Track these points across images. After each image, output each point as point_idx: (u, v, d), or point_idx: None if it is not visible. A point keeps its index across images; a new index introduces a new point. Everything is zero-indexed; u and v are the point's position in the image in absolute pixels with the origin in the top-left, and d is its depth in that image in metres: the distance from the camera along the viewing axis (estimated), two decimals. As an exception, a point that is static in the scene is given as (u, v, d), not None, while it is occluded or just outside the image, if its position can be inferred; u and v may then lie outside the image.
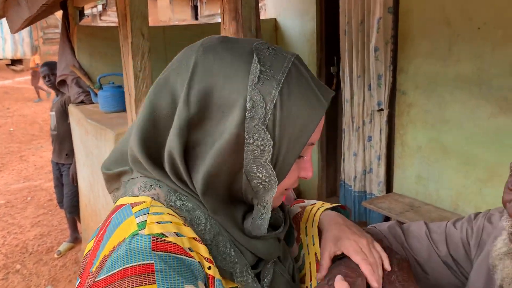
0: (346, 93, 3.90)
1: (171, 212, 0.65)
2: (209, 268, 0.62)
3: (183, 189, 0.68)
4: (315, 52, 4.38)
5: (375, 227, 1.15)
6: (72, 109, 3.84)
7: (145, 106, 0.68)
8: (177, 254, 0.59)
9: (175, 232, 0.61)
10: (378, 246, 0.90)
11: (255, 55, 0.65)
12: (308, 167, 0.73)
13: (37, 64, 12.88)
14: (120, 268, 0.57)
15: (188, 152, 0.66)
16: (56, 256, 4.27)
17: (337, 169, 4.38)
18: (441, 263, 1.08)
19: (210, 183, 0.66)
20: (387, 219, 3.47)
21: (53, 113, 4.25)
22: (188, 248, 0.61)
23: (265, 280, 0.74)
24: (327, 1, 4.26)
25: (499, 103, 2.86)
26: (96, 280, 0.58)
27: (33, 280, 3.88)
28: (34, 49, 14.00)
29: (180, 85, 0.65)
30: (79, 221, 4.39)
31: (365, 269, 0.82)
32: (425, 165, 3.44)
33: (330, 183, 4.66)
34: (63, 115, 4.16)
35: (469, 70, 3.01)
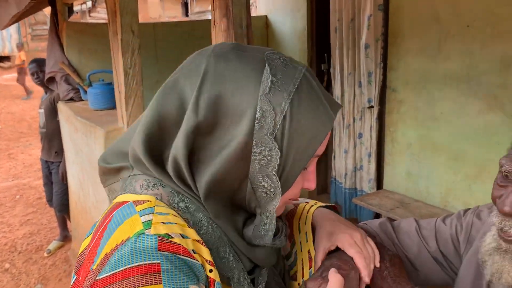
0: (336, 91, 3.92)
1: (175, 213, 0.65)
2: (211, 271, 0.62)
3: (186, 192, 0.68)
4: (306, 50, 4.39)
5: (366, 224, 1.15)
6: (61, 107, 3.80)
7: (152, 108, 0.67)
8: (182, 255, 0.59)
9: (180, 234, 0.61)
10: (371, 241, 0.91)
11: (267, 65, 0.65)
12: (312, 178, 0.73)
13: (23, 61, 12.74)
14: (125, 267, 0.56)
15: (193, 156, 0.65)
16: (45, 254, 4.24)
17: (328, 166, 4.40)
18: (431, 258, 1.10)
19: (213, 189, 0.66)
20: (377, 215, 3.50)
21: (42, 110, 4.21)
22: (192, 250, 0.61)
23: (260, 286, 0.75)
24: (318, -2, 4.26)
25: (488, 100, 2.89)
26: (97, 278, 0.57)
27: (23, 279, 3.85)
28: (20, 46, 13.82)
29: (190, 90, 0.65)
30: (69, 220, 4.35)
31: (359, 262, 0.84)
32: (415, 162, 3.47)
33: (321, 180, 4.67)
34: (52, 112, 4.12)
35: (458, 67, 3.03)
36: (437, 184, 3.32)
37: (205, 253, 0.63)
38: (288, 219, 0.93)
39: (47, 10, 4.90)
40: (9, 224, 4.97)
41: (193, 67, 0.67)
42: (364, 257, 0.85)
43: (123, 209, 0.64)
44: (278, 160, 0.64)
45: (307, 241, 0.89)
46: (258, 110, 0.62)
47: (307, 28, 4.34)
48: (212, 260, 0.63)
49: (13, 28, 16.94)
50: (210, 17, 1.57)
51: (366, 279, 0.84)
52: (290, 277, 0.88)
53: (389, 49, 3.50)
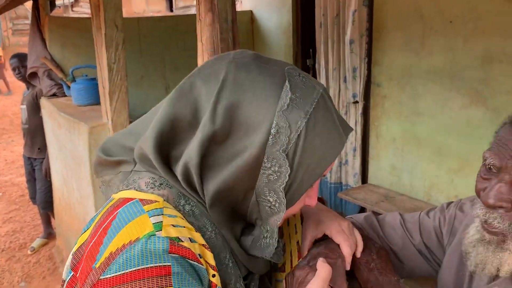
0: (322, 86, 3.93)
1: (181, 216, 0.65)
2: (213, 276, 0.63)
3: (192, 195, 0.68)
4: (291, 45, 4.39)
5: (351, 217, 1.17)
6: (44, 102, 3.75)
7: (167, 108, 0.66)
8: (190, 259, 0.59)
9: (189, 238, 0.61)
10: (357, 232, 0.93)
11: (287, 81, 0.65)
12: (314, 195, 0.74)
13: (0, 56, 12.59)
14: (135, 269, 0.56)
15: (203, 161, 0.65)
16: (29, 252, 4.18)
17: (314, 161, 4.42)
18: (415, 251, 1.11)
19: (219, 197, 0.66)
20: (362, 209, 3.53)
21: (24, 106, 4.15)
22: (198, 255, 0.61)
23: None
24: (303, -6, 4.27)
25: (470, 95, 2.93)
26: (102, 277, 0.56)
27: (6, 277, 3.80)
28: (-2, 41, 13.65)
29: (206, 95, 0.64)
30: (53, 217, 4.31)
31: (345, 250, 0.86)
32: (399, 156, 3.51)
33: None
34: (34, 108, 4.06)
35: (441, 63, 3.07)
36: (420, 178, 3.37)
37: (210, 258, 0.63)
38: None
39: (29, 4, 4.81)
40: (-9, 222, 4.90)
41: (212, 72, 0.66)
42: (350, 245, 0.87)
43: (129, 207, 0.63)
44: (287, 177, 0.64)
45: (296, 232, 0.90)
46: (274, 125, 0.62)
47: (292, 23, 4.35)
48: (215, 265, 0.63)
49: (-7, 23, 16.61)
50: (195, 12, 1.57)
51: (347, 266, 0.86)
52: (278, 269, 0.89)
53: (373, 44, 3.53)
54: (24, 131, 4.27)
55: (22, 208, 5.25)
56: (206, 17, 1.42)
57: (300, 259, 0.86)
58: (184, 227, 0.62)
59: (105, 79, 2.44)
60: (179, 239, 0.59)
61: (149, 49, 4.27)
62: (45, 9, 4.04)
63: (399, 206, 3.23)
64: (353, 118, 3.72)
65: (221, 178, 0.64)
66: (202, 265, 0.61)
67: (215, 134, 0.63)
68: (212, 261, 0.63)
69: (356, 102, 3.67)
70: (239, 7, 5.03)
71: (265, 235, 0.70)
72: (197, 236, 0.63)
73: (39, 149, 4.15)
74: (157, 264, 0.56)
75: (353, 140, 3.76)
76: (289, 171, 0.64)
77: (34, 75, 3.98)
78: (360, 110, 3.67)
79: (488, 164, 0.85)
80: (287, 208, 0.67)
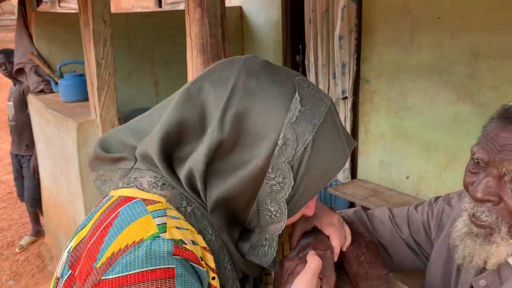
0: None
1: (183, 218, 0.65)
2: (213, 278, 0.63)
3: (194, 198, 0.68)
4: (281, 41, 4.39)
5: (340, 212, 1.17)
6: (32, 99, 3.71)
7: (174, 110, 0.65)
8: (193, 262, 0.59)
9: (191, 240, 0.61)
10: (347, 226, 0.94)
11: (297, 93, 0.65)
12: (312, 206, 0.75)
13: None
14: (139, 270, 0.55)
15: (208, 167, 0.65)
16: (17, 250, 4.15)
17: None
18: (404, 245, 1.13)
19: (221, 204, 0.66)
20: (352, 205, 3.55)
21: (11, 103, 4.10)
22: (200, 257, 0.61)
23: None
24: (292, -11, 4.26)
25: (458, 90, 2.96)
26: (104, 278, 0.56)
27: (-6, 275, 3.76)
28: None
29: (215, 100, 0.64)
30: (41, 214, 4.27)
31: (335, 242, 0.87)
32: (387, 152, 3.53)
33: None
34: (21, 105, 4.02)
35: (429, 58, 3.09)
36: (409, 173, 3.40)
37: (210, 260, 0.63)
38: None
39: (15, -1, 4.75)
40: (-21, 220, 4.84)
41: (222, 77, 0.66)
42: (340, 237, 0.88)
43: (132, 206, 0.62)
44: (291, 189, 0.64)
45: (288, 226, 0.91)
46: (281, 136, 0.62)
47: (281, 19, 4.34)
48: (215, 268, 0.63)
49: (-22, 18, 16.36)
50: (183, 7, 1.56)
51: (335, 258, 0.87)
52: (269, 273, 0.89)
53: (362, 40, 3.54)
54: (11, 128, 4.22)
55: (10, 205, 5.19)
56: (195, 12, 1.41)
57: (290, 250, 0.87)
58: (187, 229, 0.62)
59: (93, 75, 2.42)
60: (183, 241, 0.59)
61: (138, 45, 4.24)
62: (32, 5, 3.99)
63: (388, 200, 3.26)
64: (343, 114, 3.74)
65: (225, 186, 0.64)
66: (203, 267, 0.61)
67: (222, 142, 0.62)
68: (212, 264, 0.63)
69: (346, 98, 3.69)
70: (228, 3, 5.01)
71: (264, 243, 0.70)
72: (199, 239, 0.63)
73: (26, 146, 4.11)
74: (161, 266, 0.56)
75: (343, 135, 3.77)
76: (292, 183, 0.64)
77: (21, 71, 3.94)
78: (349, 106, 3.69)
79: (476, 159, 0.86)
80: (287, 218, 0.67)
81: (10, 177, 5.14)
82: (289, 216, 0.67)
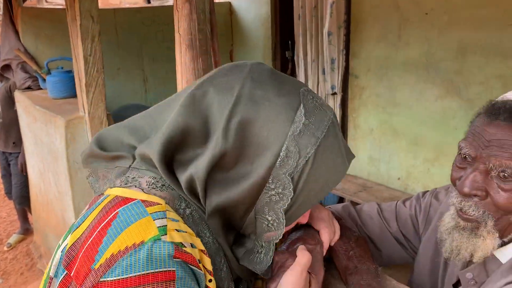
0: (301, 78, 3.95)
1: (182, 220, 0.65)
2: (210, 280, 0.63)
3: (193, 201, 0.68)
4: (270, 36, 4.39)
5: (330, 208, 1.18)
6: (19, 96, 3.66)
7: (177, 116, 0.65)
8: (191, 264, 0.60)
9: (190, 243, 0.61)
10: (336, 222, 0.95)
11: (302, 105, 0.65)
12: (307, 214, 0.76)
13: None
14: (140, 273, 0.55)
15: (209, 177, 0.65)
16: (6, 248, 4.11)
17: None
18: (392, 239, 1.14)
19: (220, 210, 0.66)
20: (341, 199, 3.58)
21: (-3, 100, 4.05)
22: (198, 260, 0.61)
23: None
24: (281, -15, 4.26)
25: (445, 86, 2.99)
26: (103, 280, 0.55)
27: (-18, 274, 3.73)
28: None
29: (219, 107, 0.64)
30: (30, 212, 4.23)
31: (325, 237, 0.88)
32: (376, 147, 3.56)
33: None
34: (8, 101, 3.97)
35: (417, 54, 3.11)
36: (397, 168, 3.43)
37: (207, 263, 0.63)
38: None
39: (0, -6, 4.68)
40: (-35, 218, 4.78)
41: (227, 83, 0.66)
42: (329, 232, 0.89)
43: (131, 207, 0.62)
44: (290, 200, 0.65)
45: None
46: (284, 148, 0.63)
47: (271, 15, 4.34)
48: (212, 270, 0.64)
49: (-37, 13, 16.11)
50: (172, 3, 1.55)
51: (324, 252, 0.88)
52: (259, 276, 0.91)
53: (351, 36, 3.56)
54: (-2, 125, 4.17)
55: (-3, 203, 5.14)
56: (184, 8, 1.41)
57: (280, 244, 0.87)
58: (186, 232, 0.62)
59: (81, 72, 2.40)
60: (182, 244, 0.60)
61: (126, 41, 4.21)
62: (17, 0, 3.94)
63: (377, 195, 3.29)
64: (332, 110, 3.75)
65: (225, 195, 0.65)
66: (201, 270, 0.61)
67: (226, 153, 0.63)
68: (209, 266, 0.63)
69: (335, 93, 3.70)
70: (217, -1, 4.99)
71: (260, 250, 0.71)
72: (197, 242, 0.63)
73: (14, 143, 4.06)
74: (163, 269, 0.56)
75: (332, 131, 3.79)
76: (292, 194, 0.65)
77: (7, 67, 3.89)
78: (338, 102, 3.70)
79: (464, 154, 0.87)
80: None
81: (-3, 174, 5.08)
82: (286, 225, 0.68)
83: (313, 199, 0.68)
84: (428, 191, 1.16)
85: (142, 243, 0.57)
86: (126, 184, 0.67)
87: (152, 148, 0.65)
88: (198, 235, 0.65)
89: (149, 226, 0.59)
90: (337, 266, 0.97)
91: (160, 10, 4.53)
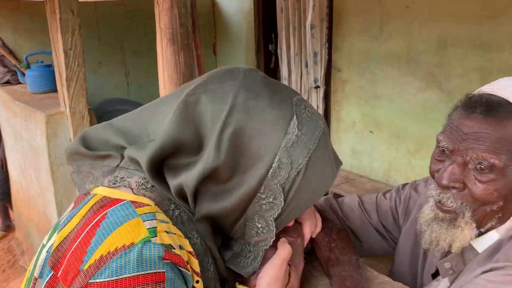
0: (284, 71, 3.95)
1: (171, 222, 0.65)
2: (197, 282, 0.63)
3: (182, 204, 0.68)
4: (253, 30, 4.38)
5: (312, 200, 1.19)
6: (-3, 90, 3.59)
7: (170, 125, 0.64)
8: (180, 266, 0.60)
9: (179, 245, 0.61)
10: (318, 215, 0.96)
11: (295, 116, 0.66)
12: (293, 219, 0.77)
13: None
14: (131, 275, 0.55)
15: (199, 188, 0.65)
16: (-14, 246, 4.05)
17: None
18: (373, 230, 1.16)
19: (210, 217, 0.67)
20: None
21: (-24, 94, 3.96)
22: (186, 261, 0.62)
23: None
24: (264, -22, 4.24)
25: (426, 79, 3.03)
26: (92, 281, 0.55)
27: (-38, 272, 3.67)
28: None
29: (212, 117, 0.64)
30: (11, 208, 4.17)
31: (307, 230, 0.89)
32: (359, 139, 3.59)
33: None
34: (-14, 96, 3.89)
35: (398, 47, 3.14)
36: (379, 160, 3.47)
37: (195, 264, 0.64)
38: None
39: (-24, -14, 4.57)
40: None
41: (220, 91, 0.66)
42: (311, 225, 0.90)
43: (120, 209, 0.62)
44: (280, 209, 0.66)
45: None
46: (276, 160, 0.64)
47: (253, 8, 4.32)
48: (199, 272, 0.64)
49: None
50: (154, -5, 1.53)
51: (305, 245, 0.90)
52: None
53: (334, 29, 3.57)
54: (-24, 121, 4.09)
55: (-23, 200, 5.05)
56: (164, 2, 1.40)
57: None
58: (175, 233, 0.62)
59: (62, 66, 2.36)
60: (172, 246, 0.60)
61: (107, 34, 4.15)
62: (-5, -8, 3.85)
63: (360, 187, 3.32)
64: (315, 103, 3.77)
65: (217, 205, 0.65)
66: (189, 271, 0.62)
67: (217, 168, 0.63)
68: (197, 268, 0.64)
69: (318, 87, 3.72)
70: (199, -9, 4.95)
71: (248, 255, 0.71)
72: (186, 243, 0.64)
73: (-7, 139, 3.99)
74: (153, 271, 0.56)
75: (315, 124, 3.81)
76: (282, 204, 0.66)
77: (-15, 61, 3.81)
78: (321, 95, 3.72)
79: (442, 147, 0.89)
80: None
81: (-23, 171, 4.98)
82: (276, 231, 0.69)
83: (303, 207, 0.69)
84: (407, 183, 1.18)
85: (132, 244, 0.57)
86: (114, 183, 0.66)
87: (142, 157, 0.65)
88: (186, 236, 0.66)
89: (139, 227, 0.59)
90: (319, 257, 0.99)
91: (142, 3, 4.48)
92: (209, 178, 0.64)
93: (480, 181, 0.83)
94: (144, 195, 0.65)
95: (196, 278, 0.64)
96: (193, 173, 0.63)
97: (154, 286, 0.56)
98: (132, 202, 0.63)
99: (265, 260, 0.76)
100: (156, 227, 0.60)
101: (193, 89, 0.67)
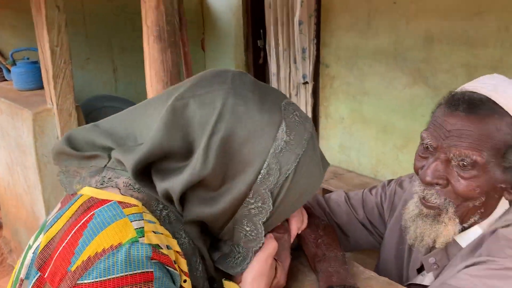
0: (272, 67, 3.95)
1: (158, 222, 0.65)
2: (185, 281, 0.64)
3: (170, 205, 0.68)
4: (242, 26, 4.37)
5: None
6: (-18, 87, 3.55)
7: (157, 132, 0.64)
8: (168, 265, 0.60)
9: (166, 245, 0.62)
10: (305, 212, 0.97)
11: (283, 122, 0.66)
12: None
13: None
14: (119, 275, 0.55)
15: (186, 195, 0.65)
16: (-27, 244, 4.01)
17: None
18: (359, 225, 1.18)
19: (199, 221, 0.67)
20: (313, 187, 3.62)
21: (-40, 91, 3.91)
22: (173, 261, 0.62)
23: None
24: (252, -26, 4.23)
25: (413, 74, 3.05)
26: (80, 282, 0.55)
27: (-51, 271, 3.63)
28: None
29: (201, 123, 0.64)
30: (-2, 206, 4.13)
31: (294, 226, 0.90)
32: (347, 135, 3.61)
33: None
34: (-28, 93, 3.84)
35: (386, 43, 3.16)
36: (367, 155, 3.49)
37: (183, 264, 0.64)
38: None
39: (-40, -19, 4.49)
40: None
41: (208, 96, 0.65)
42: (298, 222, 0.91)
43: (107, 209, 0.61)
44: (268, 213, 0.67)
45: None
46: (265, 166, 0.64)
47: (242, 4, 4.31)
48: (187, 271, 0.65)
49: None
50: (141, -8, 1.52)
51: (291, 241, 0.91)
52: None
53: (322, 25, 3.58)
54: (-39, 118, 4.03)
55: (-37, 198, 4.99)
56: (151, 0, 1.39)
57: None
58: (162, 233, 0.63)
59: (48, 63, 2.34)
60: (159, 246, 0.60)
61: (95, 30, 4.11)
62: (-21, -12, 3.80)
63: (348, 182, 3.35)
64: (303, 99, 3.78)
65: (206, 211, 0.66)
66: (177, 271, 0.62)
67: (205, 177, 0.63)
68: (185, 267, 0.64)
69: (306, 83, 3.72)
70: (187, -13, 4.92)
71: (237, 256, 0.72)
72: (173, 243, 0.64)
73: (-21, 136, 3.94)
74: (141, 271, 0.57)
75: (304, 120, 3.82)
76: (271, 208, 0.66)
77: (-31, 58, 3.76)
78: (310, 91, 3.73)
79: (425, 144, 0.90)
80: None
81: (-37, 169, 4.91)
82: (264, 233, 0.70)
83: (291, 209, 0.71)
84: (393, 179, 1.20)
85: (120, 245, 0.57)
86: (102, 184, 0.66)
87: (128, 161, 0.65)
88: (174, 236, 0.66)
89: (126, 228, 0.59)
90: (306, 253, 1.00)
91: (129, -1, 4.44)
92: (197, 185, 0.65)
93: (463, 177, 0.85)
94: (132, 196, 0.65)
95: (184, 277, 0.64)
96: (181, 179, 0.63)
97: (142, 285, 0.56)
98: (119, 202, 0.63)
99: None
100: (143, 227, 0.60)
101: (181, 93, 0.67)
